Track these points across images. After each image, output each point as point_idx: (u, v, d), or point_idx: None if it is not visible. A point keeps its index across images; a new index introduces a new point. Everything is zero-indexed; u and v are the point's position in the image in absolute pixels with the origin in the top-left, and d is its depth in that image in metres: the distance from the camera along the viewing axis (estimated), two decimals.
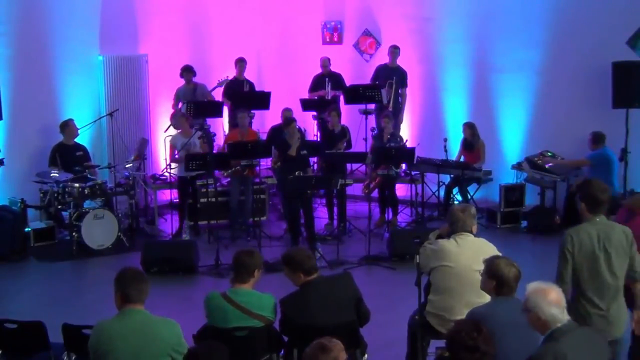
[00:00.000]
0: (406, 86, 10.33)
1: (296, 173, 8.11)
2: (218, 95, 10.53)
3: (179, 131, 9.29)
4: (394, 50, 10.29)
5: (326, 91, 10.44)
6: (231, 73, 10.49)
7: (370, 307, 4.56)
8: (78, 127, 9.13)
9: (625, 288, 4.43)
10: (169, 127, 10.04)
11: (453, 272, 4.61)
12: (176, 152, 9.03)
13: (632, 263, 4.35)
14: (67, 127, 8.99)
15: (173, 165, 9.20)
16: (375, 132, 9.68)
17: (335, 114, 9.33)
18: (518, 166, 9.54)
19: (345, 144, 9.28)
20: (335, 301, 4.38)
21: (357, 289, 4.54)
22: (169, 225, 9.24)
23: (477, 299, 4.36)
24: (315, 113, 10.44)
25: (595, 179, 4.51)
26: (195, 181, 9.17)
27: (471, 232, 4.75)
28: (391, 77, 10.17)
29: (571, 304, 4.08)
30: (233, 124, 10.01)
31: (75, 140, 9.16)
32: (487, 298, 4.14)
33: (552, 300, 3.47)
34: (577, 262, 4.26)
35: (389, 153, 8.73)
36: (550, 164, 9.16)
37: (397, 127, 10.18)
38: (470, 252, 4.62)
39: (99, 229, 8.39)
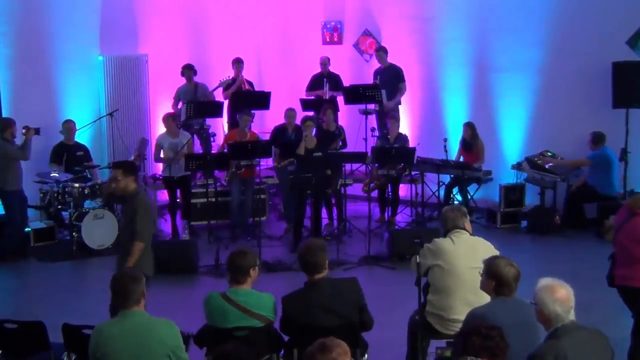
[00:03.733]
0: (403, 81, 10.31)
1: (328, 172, 8.13)
2: (219, 95, 10.53)
3: (164, 131, 9.23)
4: (378, 54, 10.37)
5: (324, 91, 10.45)
6: (230, 73, 10.49)
7: (370, 307, 4.55)
8: (77, 127, 9.15)
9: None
10: None
11: (449, 271, 4.62)
12: (161, 152, 9.03)
13: None
14: (64, 125, 9.01)
15: (160, 165, 9.19)
16: (377, 132, 9.68)
17: (330, 112, 9.31)
18: (518, 166, 9.53)
19: (340, 143, 9.28)
20: (338, 303, 4.36)
21: (362, 295, 4.50)
22: (168, 225, 9.24)
23: (475, 297, 4.36)
24: (314, 113, 10.45)
25: None
26: (187, 182, 9.14)
27: (464, 229, 4.76)
28: (384, 77, 10.19)
29: None
30: (232, 124, 10.01)
31: (76, 140, 9.17)
32: (485, 296, 4.14)
33: (558, 298, 3.48)
34: None
35: (389, 153, 8.74)
36: (550, 164, 9.16)
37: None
38: (466, 250, 4.63)
39: (99, 229, 8.39)
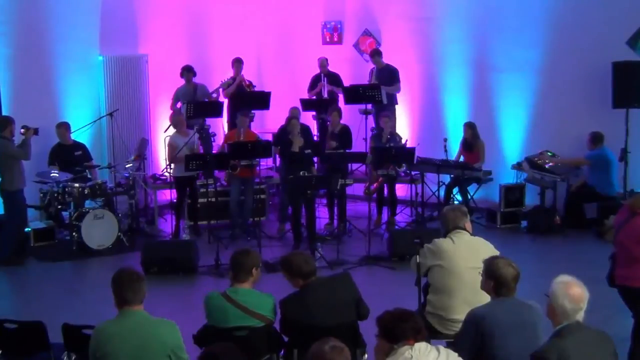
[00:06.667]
0: (397, 81, 10.28)
1: (300, 173, 8.12)
2: (219, 96, 10.52)
3: (174, 131, 9.23)
4: (374, 59, 10.33)
5: (322, 84, 10.44)
6: (230, 73, 10.49)
7: (371, 307, 4.56)
8: (78, 127, 9.14)
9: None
10: (168, 127, 10.01)
11: (449, 271, 4.62)
12: (178, 152, 9.01)
13: None
14: (56, 130, 8.98)
15: (173, 165, 9.19)
16: (374, 131, 9.68)
17: (336, 114, 9.32)
18: (518, 166, 9.53)
19: (342, 143, 9.26)
20: (335, 302, 4.38)
21: (357, 289, 4.54)
22: (169, 225, 9.24)
23: (475, 297, 4.35)
24: (315, 113, 10.46)
25: None
26: (195, 181, 9.17)
27: (465, 229, 4.76)
28: (379, 78, 10.18)
29: None
30: (232, 123, 10.02)
31: (75, 139, 9.16)
32: (485, 296, 4.14)
33: (570, 294, 3.47)
34: None
35: (389, 153, 8.73)
36: (550, 164, 9.16)
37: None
38: (467, 250, 4.63)
39: (99, 229, 8.38)
